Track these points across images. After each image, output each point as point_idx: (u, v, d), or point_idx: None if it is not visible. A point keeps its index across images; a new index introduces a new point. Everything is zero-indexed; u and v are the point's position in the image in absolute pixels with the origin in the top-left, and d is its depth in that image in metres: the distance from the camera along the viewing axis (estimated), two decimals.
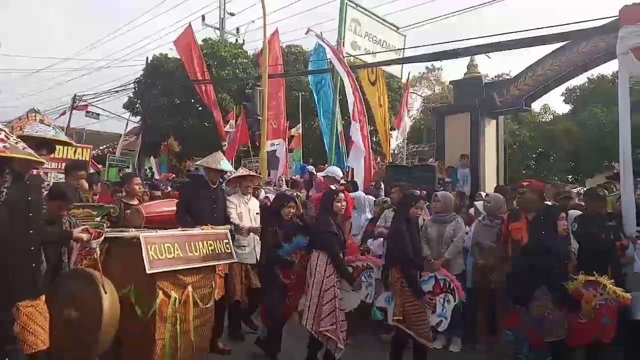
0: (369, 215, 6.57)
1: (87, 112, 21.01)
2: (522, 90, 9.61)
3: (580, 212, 5.24)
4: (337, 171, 7.16)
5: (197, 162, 6.70)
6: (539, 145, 22.75)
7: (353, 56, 10.91)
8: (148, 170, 18.24)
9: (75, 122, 21.94)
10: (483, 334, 5.24)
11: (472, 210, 6.38)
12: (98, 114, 21.28)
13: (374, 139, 15.90)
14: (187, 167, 16.81)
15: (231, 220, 5.02)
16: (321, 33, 11.51)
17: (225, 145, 13.83)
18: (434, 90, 30.22)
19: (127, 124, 20.01)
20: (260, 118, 11.11)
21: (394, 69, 12.28)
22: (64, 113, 20.98)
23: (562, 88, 22.85)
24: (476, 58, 10.55)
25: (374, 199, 7.05)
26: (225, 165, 5.33)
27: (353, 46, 10.70)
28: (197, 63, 13.40)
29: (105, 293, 3.29)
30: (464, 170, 9.68)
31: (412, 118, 25.91)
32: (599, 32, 7.96)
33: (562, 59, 8.92)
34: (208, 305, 3.95)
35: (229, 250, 4.17)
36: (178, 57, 15.22)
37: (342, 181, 7.61)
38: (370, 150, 9.84)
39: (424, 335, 4.07)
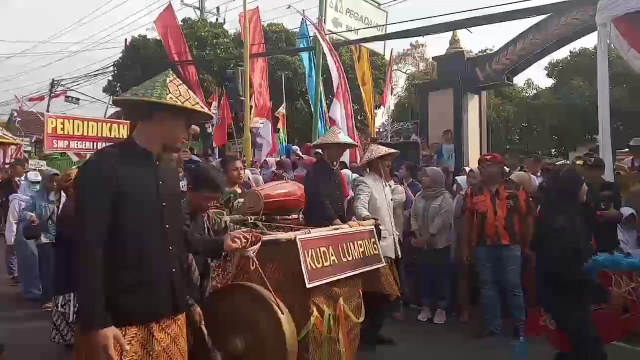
0: (352, 193, 6.61)
1: (67, 97, 20.64)
2: (504, 65, 9.62)
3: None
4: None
5: (314, 142, 5.77)
6: (522, 119, 22.93)
7: (335, 33, 10.79)
8: None
9: (55, 107, 21.55)
10: (466, 306, 5.34)
11: (455, 186, 6.44)
12: (78, 99, 20.92)
13: (359, 117, 15.87)
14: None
15: (359, 211, 4.17)
16: (303, 10, 11.37)
17: (208, 127, 13.69)
18: (419, 67, 30.13)
19: (107, 109, 19.73)
20: (243, 98, 10.99)
21: (376, 46, 12.19)
22: (42, 98, 20.57)
23: (544, 62, 22.97)
24: (458, 33, 10.50)
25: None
26: (345, 137, 4.63)
27: (335, 23, 10.57)
28: (178, 43, 13.15)
29: (283, 314, 2.55)
30: (448, 145, 9.73)
31: (396, 96, 25.89)
32: (580, 4, 7.96)
33: (543, 32, 8.91)
34: (357, 319, 3.23)
35: (377, 252, 3.46)
36: (158, 38, 14.94)
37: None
38: (355, 129, 9.82)
39: None
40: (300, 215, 4.28)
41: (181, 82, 2.03)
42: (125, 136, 6.56)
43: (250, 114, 10.73)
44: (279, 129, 13.30)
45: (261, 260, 2.57)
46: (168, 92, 1.94)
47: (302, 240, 2.83)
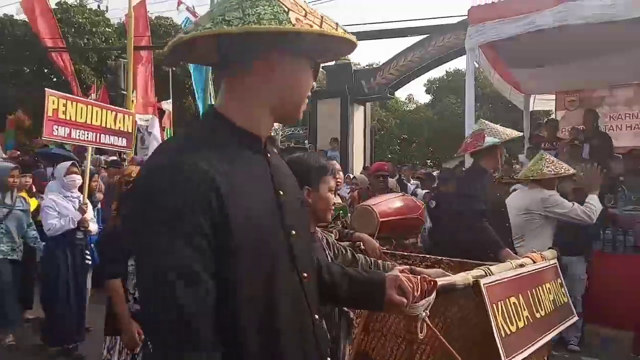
0: None
1: None
2: (387, 79, 10.22)
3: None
4: None
5: (475, 150, 3.36)
6: (403, 131, 24.50)
7: None
8: None
9: None
10: None
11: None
12: None
13: None
14: (36, 145, 15.08)
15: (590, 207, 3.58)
16: (193, 7, 11.01)
17: None
18: None
19: None
20: (124, 92, 10.34)
21: None
22: None
23: (423, 79, 24.84)
24: None
25: None
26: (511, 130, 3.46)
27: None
28: (49, 28, 11.97)
29: None
30: (334, 153, 10.06)
31: None
32: (454, 29, 8.72)
33: (422, 52, 9.63)
34: None
35: (566, 299, 2.36)
36: (27, 19, 13.52)
37: None
38: None
39: None
40: (419, 240, 3.41)
41: None
42: (130, 129, 5.09)
43: (132, 108, 10.12)
44: (164, 127, 12.74)
45: (441, 315, 1.62)
46: (286, 10, 0.95)
47: (489, 287, 1.72)
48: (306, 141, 12.85)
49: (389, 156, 22.73)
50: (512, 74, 7.10)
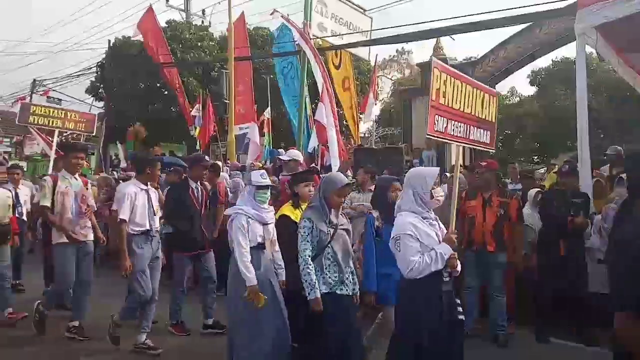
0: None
1: (48, 97, 20.46)
2: (487, 72, 9.74)
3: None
4: (298, 154, 7.10)
5: None
6: (506, 126, 23.17)
7: (320, 38, 10.80)
8: (114, 157, 17.85)
9: None
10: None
11: None
12: (60, 99, 20.70)
13: (343, 122, 15.91)
14: (154, 152, 16.46)
15: None
16: (287, 14, 11.34)
17: (193, 130, 13.59)
18: (404, 74, 30.37)
19: (90, 110, 19.50)
20: (227, 101, 10.94)
21: (361, 52, 12.21)
22: (23, 98, 20.26)
23: (527, 70, 23.29)
24: (442, 40, 10.60)
25: None
26: None
27: (320, 28, 10.59)
28: (160, 46, 13.03)
29: None
30: (430, 151, 9.81)
31: (382, 101, 26.07)
32: (562, 13, 8.07)
33: (525, 40, 9.05)
34: None
35: None
36: (141, 40, 14.84)
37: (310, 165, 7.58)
38: (339, 133, 9.83)
39: None
40: None
41: None
42: (494, 118, 3.78)
43: (234, 117, 10.68)
44: (264, 133, 13.28)
45: None
46: None
47: None
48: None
49: (490, 153, 21.64)
50: (631, 59, 6.40)
